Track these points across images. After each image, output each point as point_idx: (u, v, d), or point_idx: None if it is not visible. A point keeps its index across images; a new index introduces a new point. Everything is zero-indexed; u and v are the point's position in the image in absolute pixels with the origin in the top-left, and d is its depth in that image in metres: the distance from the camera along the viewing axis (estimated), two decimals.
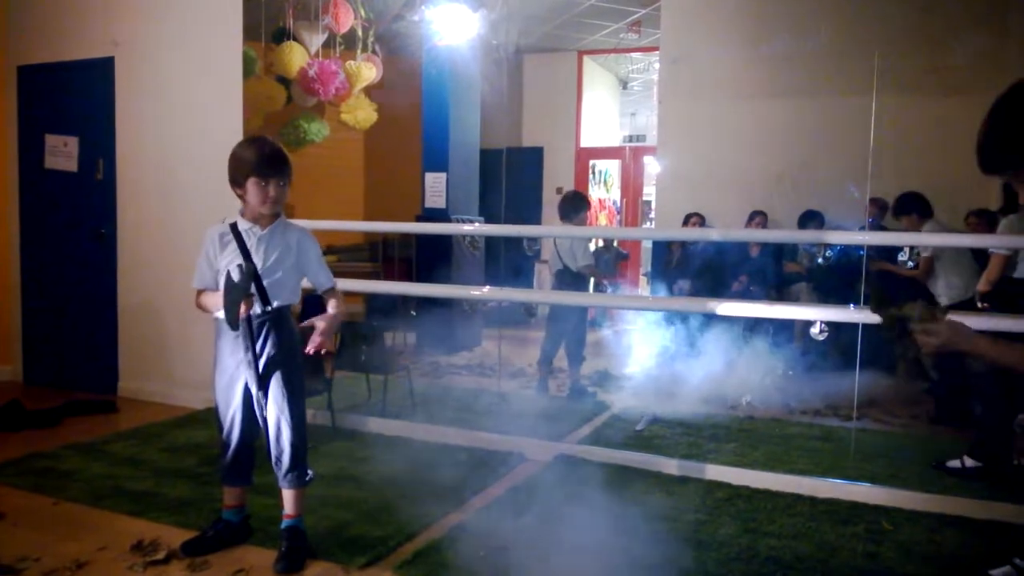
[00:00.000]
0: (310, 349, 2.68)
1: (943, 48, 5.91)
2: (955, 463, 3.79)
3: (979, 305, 3.99)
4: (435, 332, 6.99)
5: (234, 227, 2.70)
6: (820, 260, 3.94)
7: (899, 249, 4.79)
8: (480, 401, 5.06)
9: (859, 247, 4.82)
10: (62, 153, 5.35)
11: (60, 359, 5.44)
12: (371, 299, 7.05)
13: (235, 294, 2.55)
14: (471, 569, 2.71)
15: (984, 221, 5.70)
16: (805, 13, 6.64)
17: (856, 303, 4.23)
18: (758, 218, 6.89)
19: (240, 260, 2.64)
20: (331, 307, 2.78)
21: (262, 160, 2.63)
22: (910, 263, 4.77)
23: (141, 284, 5.17)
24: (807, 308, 4.35)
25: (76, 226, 5.34)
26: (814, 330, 3.48)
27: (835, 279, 5.99)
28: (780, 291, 6.22)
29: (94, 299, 5.31)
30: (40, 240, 5.53)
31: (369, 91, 7.45)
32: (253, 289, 2.62)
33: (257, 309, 2.67)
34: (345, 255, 8.08)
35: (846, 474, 3.67)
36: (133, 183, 5.20)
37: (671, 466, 3.78)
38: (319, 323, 2.68)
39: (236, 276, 2.56)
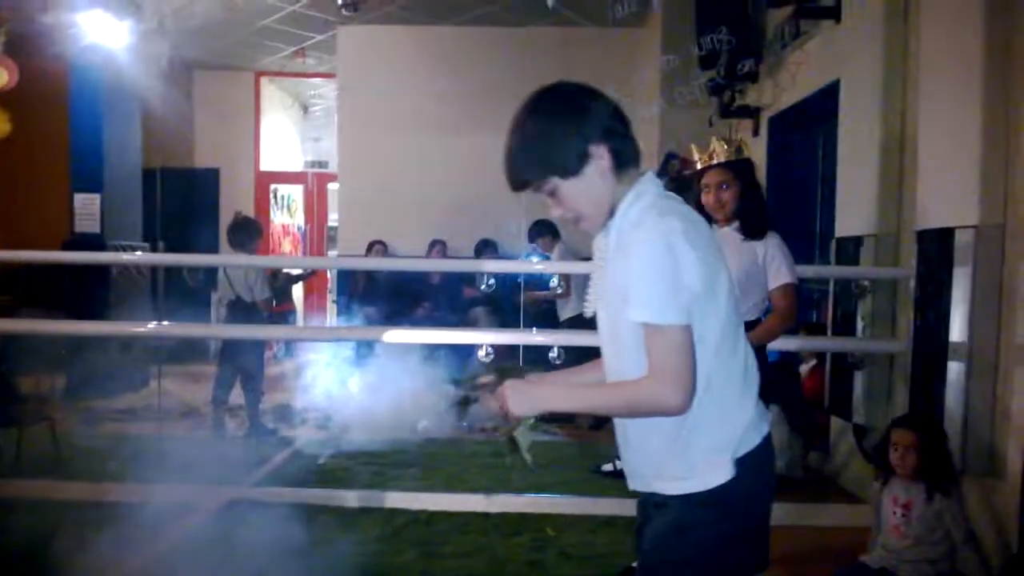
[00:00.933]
0: None
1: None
2: (608, 467, 4.24)
3: None
4: (91, 373, 6.20)
5: None
6: (484, 287, 4.22)
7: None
8: (144, 449, 4.57)
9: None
10: None
11: None
12: (3, 339, 6.05)
13: None
14: None
15: None
16: (462, 57, 7.15)
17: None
18: (438, 246, 7.18)
19: None
20: None
21: None
22: (559, 288, 5.33)
23: None
24: (477, 332, 4.59)
25: None
26: (481, 353, 3.69)
27: (507, 303, 6.45)
28: (462, 315, 6.53)
29: None
30: None
31: (2, 98, 6.43)
32: None
33: None
34: None
35: (516, 487, 3.92)
36: None
37: (351, 498, 3.73)
38: None
39: None
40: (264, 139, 9.42)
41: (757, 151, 5.71)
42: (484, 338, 3.91)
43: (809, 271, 4.62)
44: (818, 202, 5.14)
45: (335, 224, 11.77)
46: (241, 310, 4.99)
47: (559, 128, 1.43)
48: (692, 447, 1.47)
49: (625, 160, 1.47)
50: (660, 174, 6.35)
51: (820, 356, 4.53)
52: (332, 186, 10.63)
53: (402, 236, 7.27)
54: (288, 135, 10.42)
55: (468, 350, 5.74)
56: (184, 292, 7.17)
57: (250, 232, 5.18)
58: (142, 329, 4.73)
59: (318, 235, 10.07)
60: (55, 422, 4.54)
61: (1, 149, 7.47)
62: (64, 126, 6.50)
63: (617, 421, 1.59)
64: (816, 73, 4.67)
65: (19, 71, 6.37)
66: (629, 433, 1.56)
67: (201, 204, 8.76)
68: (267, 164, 9.45)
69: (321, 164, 10.29)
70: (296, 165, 10.43)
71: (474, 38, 7.32)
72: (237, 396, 5.12)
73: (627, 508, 3.63)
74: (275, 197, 9.57)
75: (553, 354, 3.63)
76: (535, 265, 5.25)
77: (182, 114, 8.83)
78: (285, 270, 7.49)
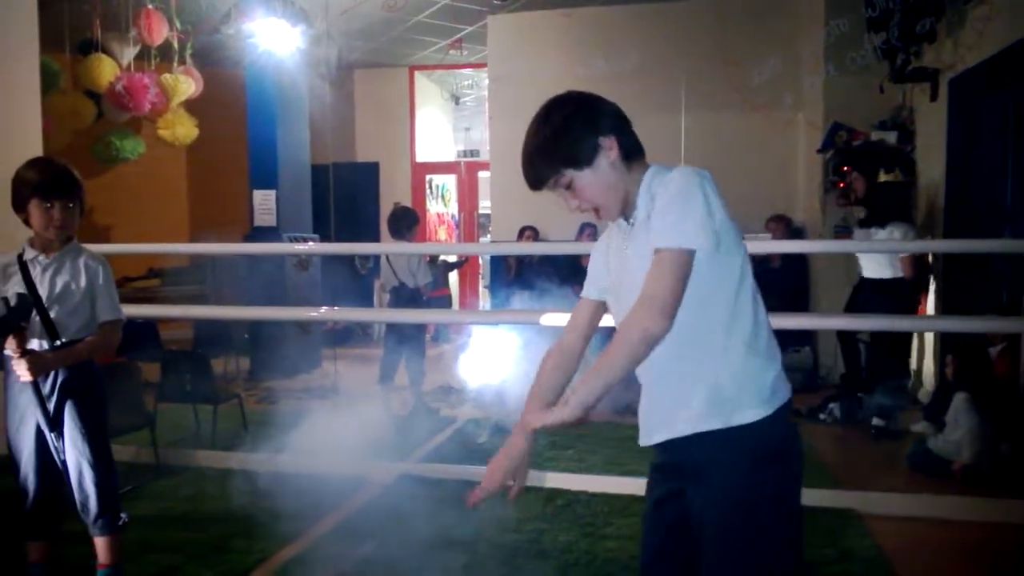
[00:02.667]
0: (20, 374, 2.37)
1: (745, 68, 6.44)
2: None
3: None
4: (270, 356, 6.72)
5: (20, 256, 2.47)
6: None
7: None
8: (319, 425, 4.89)
9: None
10: None
11: None
12: (199, 324, 6.67)
13: (0, 329, 2.28)
14: None
15: (782, 225, 6.26)
16: (617, 36, 7.02)
17: None
18: (588, 230, 7.17)
19: (22, 290, 2.40)
20: (80, 344, 2.49)
21: (45, 180, 2.42)
22: None
23: None
24: None
25: None
26: None
27: None
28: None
29: None
30: None
31: (189, 106, 7.07)
32: (36, 321, 2.39)
33: (37, 344, 2.43)
34: (170, 278, 7.60)
35: None
36: None
37: None
38: (44, 353, 2.42)
39: (3, 309, 2.29)
40: (419, 131, 9.78)
41: (935, 118, 5.28)
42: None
43: (996, 246, 4.25)
44: (1009, 172, 4.68)
45: (486, 211, 12.07)
46: (404, 295, 5.22)
47: (572, 126, 1.57)
48: (720, 379, 1.50)
49: (632, 152, 1.60)
50: (826, 144, 6.04)
51: (1011, 337, 4.15)
52: (483, 174, 10.89)
53: (553, 221, 7.33)
54: (441, 126, 10.76)
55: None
56: (349, 280, 7.61)
57: (408, 221, 5.41)
58: (315, 314, 5.08)
59: (469, 222, 10.36)
60: (243, 400, 4.96)
61: (189, 152, 8.27)
62: (242, 128, 7.04)
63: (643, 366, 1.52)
64: (1005, 28, 4.24)
65: (203, 80, 6.99)
66: (653, 376, 1.58)
67: (363, 196, 9.23)
68: (422, 155, 9.81)
69: (472, 153, 10.53)
70: (449, 155, 10.74)
71: (627, 17, 7.18)
72: (401, 377, 5.36)
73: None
74: (430, 187, 9.92)
75: None
76: None
77: (344, 112, 9.35)
78: (442, 257, 7.77)
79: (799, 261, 6.45)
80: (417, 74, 9.65)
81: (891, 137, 5.70)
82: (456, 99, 11.10)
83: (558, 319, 3.85)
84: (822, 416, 5.01)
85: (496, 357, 5.28)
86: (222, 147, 7.67)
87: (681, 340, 1.48)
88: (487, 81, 8.05)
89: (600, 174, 1.57)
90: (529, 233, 7.21)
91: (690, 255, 1.44)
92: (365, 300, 6.93)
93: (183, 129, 6.95)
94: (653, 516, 1.66)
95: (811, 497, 3.44)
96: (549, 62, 7.18)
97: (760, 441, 1.49)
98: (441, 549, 3.01)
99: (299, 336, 6.73)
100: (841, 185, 5.82)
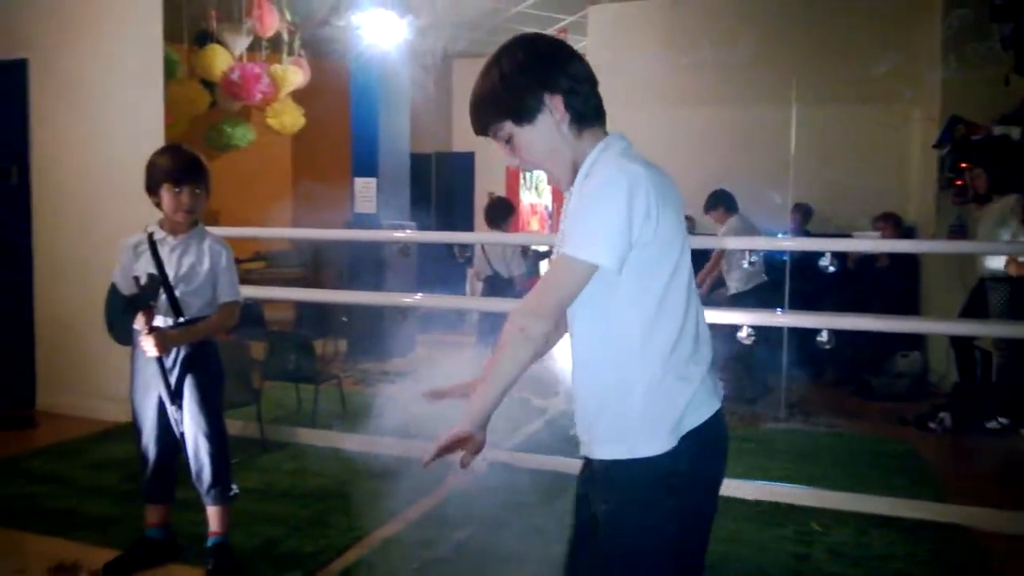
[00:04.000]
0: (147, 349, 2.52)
1: (858, 60, 6.18)
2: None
3: None
4: (367, 339, 6.90)
5: (151, 236, 2.64)
6: (746, 264, 4.08)
7: None
8: (413, 409, 5.00)
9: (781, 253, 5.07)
10: None
11: None
12: (300, 306, 6.91)
13: (131, 305, 2.46)
14: None
15: (891, 224, 5.99)
16: (726, 25, 6.84)
17: (781, 307, 4.42)
18: (687, 224, 7.03)
19: (152, 269, 2.56)
20: (202, 323, 2.65)
21: (175, 167, 2.59)
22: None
23: (59, 294, 4.93)
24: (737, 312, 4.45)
25: None
26: (741, 334, 3.57)
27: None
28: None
29: (7, 311, 5.04)
30: None
31: (296, 95, 7.31)
32: (163, 299, 2.55)
33: (162, 320, 2.58)
34: (273, 261, 7.91)
35: (772, 475, 3.77)
36: (49, 190, 4.97)
37: None
38: (173, 328, 2.58)
39: (134, 287, 2.47)
40: None
41: None
42: (735, 319, 3.75)
43: None
44: None
45: None
46: (498, 285, 5.27)
47: (519, 75, 1.46)
48: (628, 404, 1.43)
49: (584, 116, 1.47)
50: (944, 139, 5.72)
51: None
52: None
53: None
54: None
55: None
56: (445, 268, 7.72)
57: (505, 211, 5.45)
58: (411, 300, 5.18)
59: (559, 213, 10.34)
60: (342, 381, 5.12)
61: (294, 140, 8.56)
62: (345, 118, 7.23)
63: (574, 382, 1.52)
64: None
65: (311, 71, 7.22)
66: (575, 388, 1.53)
67: (460, 185, 9.35)
68: None
69: None
70: None
71: (737, 4, 7.00)
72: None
73: (904, 508, 3.39)
74: (524, 177, 9.95)
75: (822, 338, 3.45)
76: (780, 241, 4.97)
77: (442, 102, 9.47)
78: (533, 247, 7.79)
79: (909, 262, 6.16)
80: None
81: (1015, 132, 5.35)
82: None
83: None
84: (932, 425, 4.78)
85: None
86: (325, 135, 7.90)
87: (591, 358, 1.47)
88: None
89: (541, 134, 1.47)
90: None
91: (589, 269, 1.37)
92: (460, 288, 7.02)
93: (290, 118, 7.19)
94: (575, 508, 1.65)
95: (918, 510, 3.33)
96: (652, 52, 7.07)
97: (659, 475, 1.42)
98: (536, 540, 3.03)
99: (396, 321, 6.89)
100: (958, 183, 5.51)
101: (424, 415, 4.58)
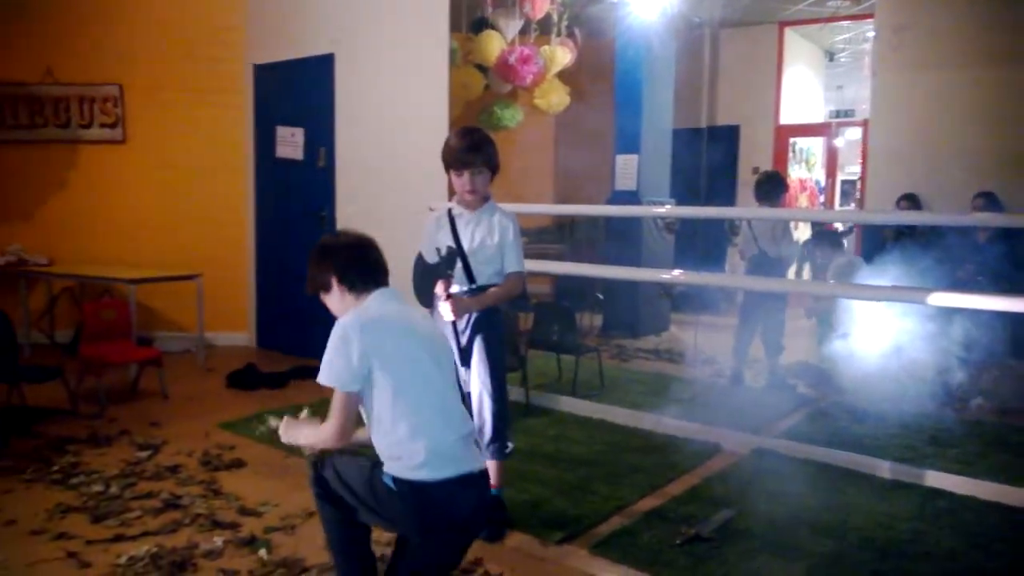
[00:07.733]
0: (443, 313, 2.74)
1: None
2: None
3: None
4: (622, 315, 6.97)
5: (450, 212, 2.91)
6: None
7: None
8: (670, 387, 4.98)
9: None
10: (290, 143, 5.87)
11: (287, 328, 6.00)
12: (558, 280, 7.14)
13: (432, 274, 2.74)
14: (666, 556, 2.70)
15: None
16: None
17: None
18: (979, 200, 6.22)
19: (451, 241, 2.80)
20: (492, 291, 2.84)
21: (457, 151, 2.81)
22: None
23: None
24: None
25: (301, 209, 5.85)
26: None
27: None
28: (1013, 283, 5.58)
29: None
30: (270, 222, 6.12)
31: (561, 74, 7.50)
32: (459, 269, 2.80)
33: (456, 288, 2.81)
34: (533, 237, 8.25)
35: None
36: (349, 170, 5.61)
37: (884, 468, 3.52)
38: (465, 298, 2.81)
39: (436, 257, 2.76)
40: (785, 91, 9.26)
41: None
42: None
43: None
44: None
45: (849, 177, 11.06)
46: (765, 264, 5.04)
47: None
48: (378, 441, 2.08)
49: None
50: None
51: None
52: (850, 137, 9.99)
53: (940, 189, 6.48)
54: (809, 85, 10.06)
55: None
56: (707, 245, 7.53)
57: (778, 187, 5.19)
58: (668, 276, 5.13)
59: (832, 188, 9.65)
60: (601, 354, 5.23)
61: (560, 119, 8.80)
62: (608, 95, 7.29)
63: None
64: None
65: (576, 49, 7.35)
66: None
67: (722, 160, 9.04)
68: (787, 117, 9.28)
69: (846, 113, 9.71)
70: (817, 116, 10.03)
71: None
72: (756, 349, 5.22)
73: None
74: (793, 150, 9.38)
75: None
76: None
77: (708, 74, 9.20)
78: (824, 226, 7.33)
79: None
80: (787, 30, 9.11)
81: None
82: (830, 55, 10.29)
83: (948, 300, 3.42)
84: None
85: (866, 337, 4.86)
86: (588, 113, 8.02)
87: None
88: (870, 34, 7.32)
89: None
90: (905, 203, 6.46)
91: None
92: (719, 268, 6.81)
93: (557, 97, 7.40)
94: None
95: None
96: (953, 7, 6.29)
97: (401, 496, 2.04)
98: (804, 531, 2.90)
99: (654, 298, 6.88)
100: None
101: (686, 395, 4.53)
